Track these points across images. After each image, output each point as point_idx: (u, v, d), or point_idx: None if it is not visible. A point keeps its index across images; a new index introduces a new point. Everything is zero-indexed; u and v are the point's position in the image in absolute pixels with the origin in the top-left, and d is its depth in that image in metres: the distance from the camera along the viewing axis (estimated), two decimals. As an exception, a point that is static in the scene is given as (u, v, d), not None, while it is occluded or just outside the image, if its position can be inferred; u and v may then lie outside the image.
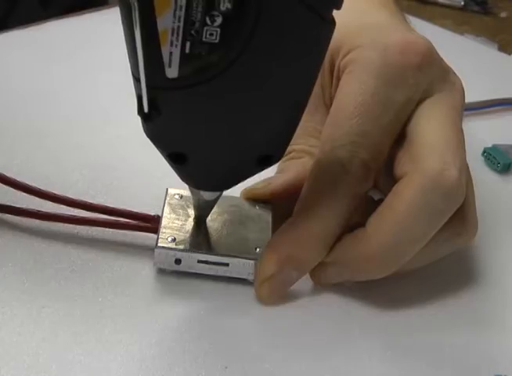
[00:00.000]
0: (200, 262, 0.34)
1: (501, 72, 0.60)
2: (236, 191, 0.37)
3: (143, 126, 0.29)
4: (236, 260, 0.34)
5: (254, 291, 0.34)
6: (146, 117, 0.28)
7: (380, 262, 0.33)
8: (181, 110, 0.28)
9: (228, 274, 0.34)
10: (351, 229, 0.33)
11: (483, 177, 0.45)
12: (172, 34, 0.25)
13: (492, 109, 0.53)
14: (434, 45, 0.36)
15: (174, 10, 0.25)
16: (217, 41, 0.26)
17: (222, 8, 0.25)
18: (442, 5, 0.75)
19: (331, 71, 0.37)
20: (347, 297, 0.35)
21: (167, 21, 0.25)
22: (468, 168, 0.35)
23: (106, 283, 0.34)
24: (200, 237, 0.34)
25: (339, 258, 0.33)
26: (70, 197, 0.36)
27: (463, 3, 0.75)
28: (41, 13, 0.62)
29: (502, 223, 0.42)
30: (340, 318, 0.34)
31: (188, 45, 0.26)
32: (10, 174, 0.36)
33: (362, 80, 0.34)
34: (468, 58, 0.61)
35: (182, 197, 0.36)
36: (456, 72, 0.36)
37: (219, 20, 0.25)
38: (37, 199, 0.36)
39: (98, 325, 0.31)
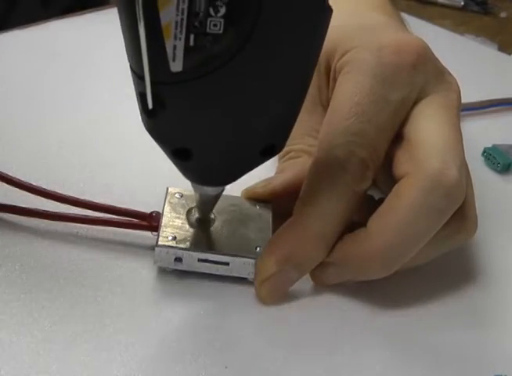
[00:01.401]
0: (200, 260, 0.34)
1: (501, 72, 0.60)
2: (236, 191, 0.37)
3: (146, 124, 0.29)
4: (236, 259, 0.34)
5: (254, 290, 0.34)
6: (150, 114, 0.28)
7: (381, 261, 0.33)
8: (186, 104, 0.28)
9: (228, 273, 0.34)
10: (351, 229, 0.33)
11: (483, 177, 0.45)
12: (176, 27, 0.25)
13: (491, 109, 0.53)
14: (434, 45, 0.36)
15: (178, 2, 0.25)
16: (221, 31, 0.25)
17: None
18: (442, 6, 0.75)
19: (327, 73, 0.37)
20: (347, 297, 0.35)
21: (170, 14, 0.25)
22: (467, 166, 0.35)
23: (106, 283, 0.34)
24: (201, 236, 0.34)
25: (340, 258, 0.33)
26: (71, 195, 0.36)
27: (462, 3, 0.75)
28: (41, 13, 0.62)
29: (503, 223, 0.42)
30: (340, 318, 0.34)
31: (192, 37, 0.25)
32: (10, 173, 0.36)
33: (358, 80, 0.34)
34: (468, 58, 0.61)
35: (182, 195, 0.36)
36: (455, 72, 0.37)
37: (223, 10, 0.25)
38: (36, 198, 0.36)
39: (98, 325, 0.31)
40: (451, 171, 0.32)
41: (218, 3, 0.25)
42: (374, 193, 0.36)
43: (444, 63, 0.36)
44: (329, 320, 0.34)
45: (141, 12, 0.25)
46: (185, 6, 0.25)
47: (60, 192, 0.36)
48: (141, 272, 0.34)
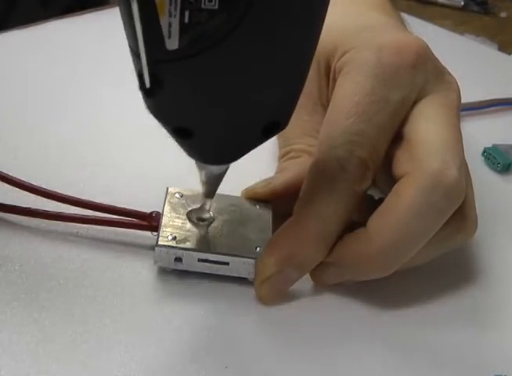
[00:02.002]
0: (200, 260, 0.34)
1: (501, 72, 0.60)
2: (236, 191, 0.37)
3: (146, 103, 0.29)
4: (236, 259, 0.34)
5: (254, 290, 0.34)
6: (148, 93, 0.27)
7: (381, 261, 0.33)
8: (183, 82, 0.27)
9: (228, 273, 0.34)
10: (351, 229, 0.33)
11: (483, 177, 0.45)
12: (170, 4, 0.25)
13: (491, 109, 0.53)
14: (434, 45, 0.36)
15: None
16: (216, 7, 0.25)
17: None
18: (442, 5, 0.75)
19: (327, 73, 0.37)
20: (347, 297, 0.35)
21: None
22: (467, 166, 0.35)
23: (106, 283, 0.34)
24: (201, 236, 0.34)
25: (340, 258, 0.33)
26: (71, 195, 0.36)
27: (462, 3, 0.75)
28: (41, 13, 0.62)
29: (503, 223, 0.42)
30: (340, 318, 0.34)
31: (187, 13, 0.25)
32: (10, 173, 0.36)
33: (358, 80, 0.34)
34: (468, 58, 0.61)
35: (182, 195, 0.36)
36: (455, 72, 0.37)
37: None
38: (37, 198, 0.36)
39: (98, 325, 0.31)
40: (451, 171, 0.32)
41: None
42: (374, 193, 0.36)
43: (444, 63, 0.36)
44: (329, 320, 0.34)
45: None
46: None
47: (60, 192, 0.36)
48: (141, 272, 0.34)
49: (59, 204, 0.36)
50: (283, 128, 0.31)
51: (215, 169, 0.32)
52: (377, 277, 0.34)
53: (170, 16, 0.25)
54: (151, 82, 0.26)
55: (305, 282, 0.35)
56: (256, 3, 0.25)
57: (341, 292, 0.35)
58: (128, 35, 0.27)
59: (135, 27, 0.25)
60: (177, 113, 0.29)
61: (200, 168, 0.32)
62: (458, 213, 0.33)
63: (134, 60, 0.28)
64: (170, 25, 0.25)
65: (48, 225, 0.36)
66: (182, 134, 0.29)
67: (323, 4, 0.28)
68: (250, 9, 0.25)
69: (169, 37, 0.25)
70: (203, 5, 0.25)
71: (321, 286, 0.35)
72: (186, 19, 0.25)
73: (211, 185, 0.34)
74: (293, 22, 0.27)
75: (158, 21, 0.25)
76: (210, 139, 0.30)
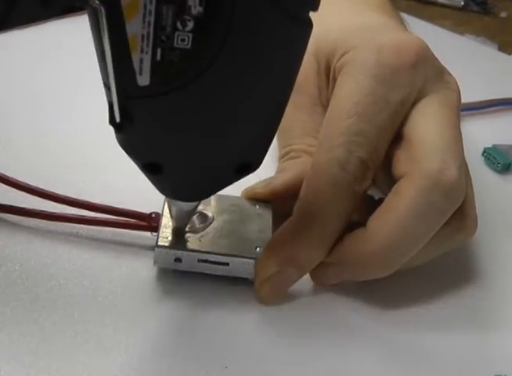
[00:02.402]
0: (200, 261, 0.34)
1: (501, 72, 0.60)
2: (236, 191, 0.37)
3: (116, 137, 0.28)
4: (236, 259, 0.34)
5: (254, 290, 0.34)
6: (118, 127, 0.27)
7: (381, 261, 0.33)
8: (153, 118, 0.27)
9: (228, 273, 0.34)
10: (351, 229, 0.33)
11: (483, 177, 0.45)
12: (142, 40, 0.24)
13: (491, 109, 0.53)
14: (434, 45, 0.36)
15: (144, 15, 0.24)
16: (189, 46, 0.24)
17: (194, 12, 0.24)
18: (442, 6, 0.75)
19: (327, 73, 0.37)
20: (347, 297, 0.35)
21: (136, 27, 0.24)
22: (467, 166, 0.35)
23: (106, 283, 0.34)
24: (201, 236, 0.34)
25: (339, 258, 0.33)
26: (71, 196, 0.36)
27: (462, 3, 0.75)
28: (41, 13, 0.62)
29: (503, 223, 0.42)
30: (340, 318, 0.34)
31: (159, 51, 0.25)
32: (10, 174, 0.36)
33: (358, 80, 0.34)
34: (468, 58, 0.61)
35: (182, 196, 0.36)
36: (455, 72, 0.37)
37: (191, 25, 0.24)
38: (36, 198, 0.36)
39: (98, 325, 0.31)
40: (450, 171, 0.32)
41: (186, 17, 0.24)
42: (374, 193, 0.36)
43: (444, 63, 0.36)
44: (329, 320, 0.34)
45: (104, 23, 0.24)
46: (152, 19, 0.24)
47: (60, 192, 0.36)
48: (141, 272, 0.34)
49: (59, 204, 0.36)
50: (256, 169, 0.30)
51: (185, 206, 0.32)
52: (377, 277, 0.34)
53: (142, 52, 0.25)
54: (121, 116, 0.26)
55: (305, 282, 0.35)
56: (229, 43, 0.25)
57: (341, 292, 0.35)
58: (100, 67, 0.26)
59: (106, 60, 0.25)
60: (147, 148, 0.28)
61: (170, 203, 0.33)
62: (458, 213, 0.33)
63: (106, 92, 0.27)
64: (141, 61, 0.25)
65: (48, 225, 0.36)
66: (151, 169, 0.29)
67: (300, 43, 0.27)
68: (224, 50, 0.25)
69: (140, 73, 0.25)
70: (175, 44, 0.25)
71: (321, 286, 0.35)
72: (158, 57, 0.25)
73: (181, 219, 0.34)
74: (267, 63, 0.26)
75: (130, 56, 0.25)
76: (180, 177, 0.30)
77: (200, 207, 0.35)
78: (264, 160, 0.41)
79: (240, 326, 0.33)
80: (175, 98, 0.26)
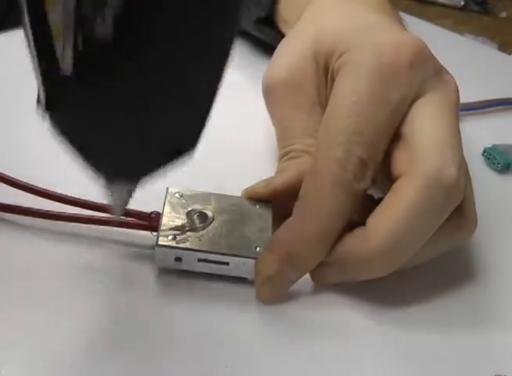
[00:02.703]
0: (200, 260, 0.34)
1: (501, 72, 0.60)
2: (236, 191, 0.37)
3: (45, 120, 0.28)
4: (236, 259, 0.34)
5: (254, 290, 0.34)
6: (46, 114, 0.27)
7: (381, 261, 0.33)
8: (78, 106, 0.27)
9: (228, 273, 0.34)
10: (351, 228, 0.33)
11: (483, 177, 0.45)
12: (65, 29, 0.24)
13: (492, 109, 0.53)
14: (434, 45, 0.36)
15: (64, 4, 0.24)
16: (110, 36, 0.24)
17: (114, 2, 0.23)
18: (442, 5, 0.75)
19: (326, 73, 0.37)
20: (347, 297, 0.35)
21: (57, 15, 0.24)
22: (466, 165, 0.35)
23: (106, 282, 0.34)
24: (201, 236, 0.34)
25: (339, 258, 0.33)
26: (71, 195, 0.36)
27: (462, 3, 0.75)
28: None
29: (503, 223, 0.42)
30: (340, 318, 0.34)
31: (80, 41, 0.24)
32: (10, 173, 0.36)
33: (356, 80, 0.34)
34: (468, 58, 0.61)
35: (182, 195, 0.36)
36: (455, 72, 0.37)
37: (111, 16, 0.24)
38: (36, 198, 0.36)
39: (98, 325, 0.32)
40: (449, 170, 0.32)
41: (107, 8, 0.23)
42: (374, 192, 0.36)
43: (443, 63, 0.36)
44: (329, 320, 0.34)
45: (25, 9, 0.24)
46: (72, 8, 0.24)
47: (60, 192, 0.36)
48: (141, 272, 0.34)
49: (59, 204, 0.36)
50: (189, 155, 0.29)
51: (116, 189, 0.31)
52: (377, 277, 0.34)
53: (64, 41, 0.24)
54: (46, 103, 0.26)
55: (305, 282, 0.35)
56: (152, 35, 0.24)
57: (341, 292, 0.35)
58: (29, 52, 0.27)
59: (30, 47, 0.25)
60: (73, 134, 0.28)
61: (106, 188, 0.32)
62: (457, 212, 0.33)
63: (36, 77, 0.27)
64: (64, 50, 0.25)
65: (48, 225, 0.36)
66: (81, 153, 0.29)
67: (229, 40, 0.26)
68: (146, 41, 0.24)
69: (63, 61, 0.25)
70: (97, 35, 0.24)
71: (321, 286, 0.35)
72: (80, 47, 0.24)
73: (117, 208, 0.33)
74: (194, 56, 0.26)
75: (53, 45, 0.25)
76: (110, 161, 0.29)
77: (200, 207, 0.35)
78: (264, 160, 0.41)
79: (240, 326, 0.33)
80: (100, 86, 0.26)
